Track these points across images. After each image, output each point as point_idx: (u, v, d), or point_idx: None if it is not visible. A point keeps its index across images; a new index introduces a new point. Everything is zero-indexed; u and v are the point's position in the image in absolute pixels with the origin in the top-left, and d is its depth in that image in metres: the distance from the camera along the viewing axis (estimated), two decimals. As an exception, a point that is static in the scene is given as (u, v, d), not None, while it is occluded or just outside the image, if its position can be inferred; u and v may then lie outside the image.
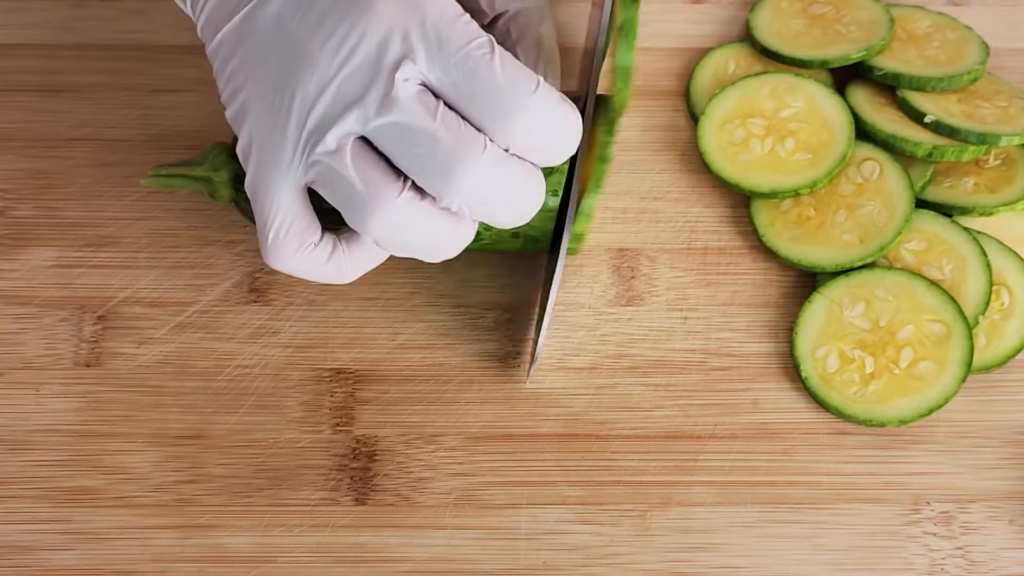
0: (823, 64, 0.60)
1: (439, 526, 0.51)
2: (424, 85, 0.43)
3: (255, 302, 0.56)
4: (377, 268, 0.56)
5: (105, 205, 0.58)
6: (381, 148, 0.43)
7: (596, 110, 0.49)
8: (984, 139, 0.56)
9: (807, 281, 0.57)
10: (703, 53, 0.63)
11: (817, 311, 0.55)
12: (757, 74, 0.59)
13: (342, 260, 0.46)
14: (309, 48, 0.43)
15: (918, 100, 0.58)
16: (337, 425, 0.53)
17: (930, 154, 0.57)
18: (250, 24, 0.44)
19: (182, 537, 0.50)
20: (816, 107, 0.58)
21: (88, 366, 0.54)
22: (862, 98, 0.59)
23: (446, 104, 0.43)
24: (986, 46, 0.60)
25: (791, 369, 0.54)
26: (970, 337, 0.53)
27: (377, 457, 0.52)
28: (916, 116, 0.58)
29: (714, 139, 0.58)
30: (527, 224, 0.52)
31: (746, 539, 0.51)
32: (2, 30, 0.63)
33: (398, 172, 0.43)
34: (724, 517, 0.51)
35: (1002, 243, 0.56)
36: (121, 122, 0.60)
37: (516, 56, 0.47)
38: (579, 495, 0.52)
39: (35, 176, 0.59)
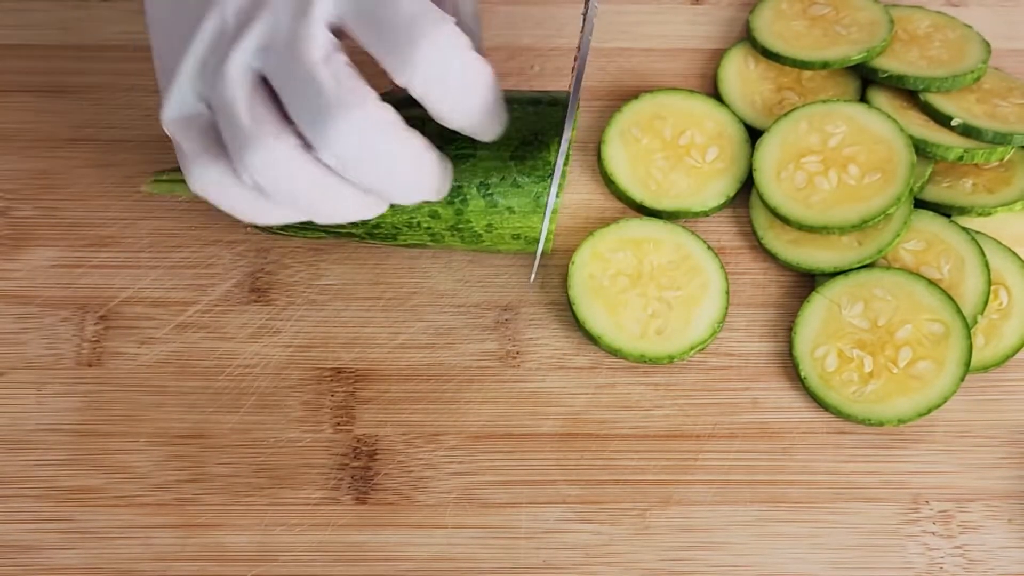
0: (824, 66, 0.60)
1: (439, 525, 0.51)
2: (334, 28, 0.42)
3: (256, 302, 0.56)
4: (377, 268, 0.56)
5: (106, 205, 0.58)
6: (275, 87, 0.43)
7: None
8: (1011, 139, 0.56)
9: (806, 281, 0.57)
10: (704, 54, 0.63)
11: (816, 311, 0.55)
12: (787, 113, 0.58)
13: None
14: None
15: (941, 103, 0.58)
16: (338, 424, 0.53)
17: (961, 157, 0.57)
18: None
19: (183, 536, 0.50)
20: (860, 126, 0.57)
21: (89, 366, 0.54)
22: (884, 103, 0.59)
23: (356, 42, 0.42)
24: (987, 44, 0.61)
25: (790, 368, 0.55)
26: (969, 337, 0.53)
27: (377, 456, 0.52)
28: (941, 119, 0.58)
29: (779, 191, 0.56)
30: (527, 225, 0.52)
31: (745, 538, 0.51)
32: (3, 30, 0.63)
33: (288, 121, 0.43)
34: (723, 516, 0.51)
35: (1000, 243, 0.56)
36: (122, 122, 0.60)
37: None
38: (579, 494, 0.52)
39: (36, 176, 0.59)
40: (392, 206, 0.48)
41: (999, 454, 0.53)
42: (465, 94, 0.44)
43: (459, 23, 0.46)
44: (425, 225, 0.53)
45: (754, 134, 0.59)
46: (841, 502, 0.52)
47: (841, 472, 0.52)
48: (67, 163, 0.59)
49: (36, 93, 0.61)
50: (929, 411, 0.52)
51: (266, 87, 0.43)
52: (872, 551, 0.51)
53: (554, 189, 0.50)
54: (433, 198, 0.47)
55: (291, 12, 0.42)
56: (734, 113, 0.60)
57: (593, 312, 0.54)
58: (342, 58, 0.43)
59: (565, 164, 0.49)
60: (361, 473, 0.52)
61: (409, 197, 0.45)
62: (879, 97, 0.60)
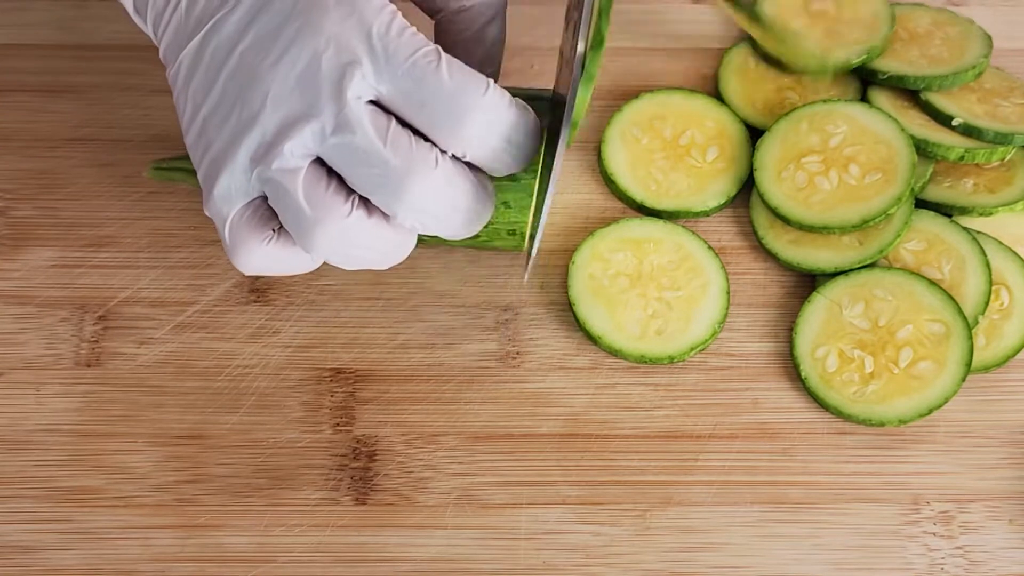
0: None
1: (439, 526, 0.51)
2: (376, 102, 0.43)
3: (255, 302, 0.56)
4: (377, 268, 0.56)
5: (105, 205, 0.58)
6: (334, 167, 0.44)
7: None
8: (1011, 139, 0.56)
9: (807, 281, 0.57)
10: (705, 54, 0.63)
11: (817, 311, 0.55)
12: (787, 113, 0.58)
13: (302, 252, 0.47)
14: (261, 67, 0.43)
15: (942, 103, 0.58)
16: (337, 425, 0.53)
17: (962, 157, 0.57)
18: (206, 46, 0.45)
19: (182, 537, 0.50)
20: (860, 126, 0.57)
21: (88, 366, 0.54)
22: (885, 103, 0.59)
23: (399, 119, 0.43)
24: (988, 38, 0.60)
25: (791, 369, 0.55)
26: (969, 337, 0.53)
27: (377, 457, 0.52)
28: (942, 119, 0.58)
29: (779, 191, 0.56)
30: (523, 221, 0.52)
31: (746, 539, 0.51)
32: (3, 30, 0.63)
33: (350, 191, 0.44)
34: (724, 517, 0.51)
35: (1001, 243, 0.56)
36: (121, 122, 0.60)
37: (456, 55, 0.47)
38: (579, 495, 0.52)
39: (35, 176, 0.59)
40: None
41: (1000, 454, 0.53)
42: (518, 149, 0.45)
43: (484, 47, 0.48)
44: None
45: (755, 134, 0.59)
46: (842, 503, 0.52)
47: (842, 473, 0.52)
48: (66, 163, 0.59)
49: (35, 93, 0.61)
50: (930, 411, 0.52)
51: (322, 167, 0.44)
52: (873, 552, 0.50)
53: (551, 190, 0.50)
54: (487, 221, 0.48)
55: (331, 96, 0.42)
56: (735, 113, 0.60)
57: (593, 312, 0.54)
58: (394, 125, 0.43)
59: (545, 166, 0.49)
60: (361, 474, 0.52)
61: (473, 231, 0.47)
62: (880, 97, 0.59)
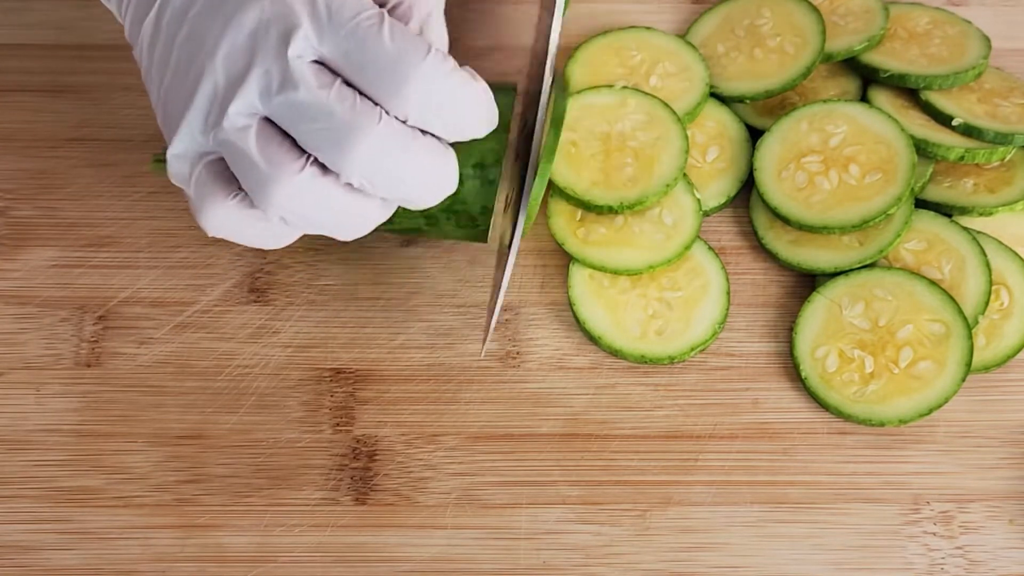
0: (827, 59, 0.60)
1: (439, 526, 0.51)
2: (321, 62, 0.44)
3: (255, 302, 0.56)
4: (377, 268, 0.56)
5: (105, 205, 0.58)
6: (283, 127, 0.44)
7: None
8: (1012, 139, 0.56)
9: (807, 281, 0.57)
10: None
11: (817, 311, 0.55)
12: (787, 113, 0.58)
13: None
14: (210, 31, 0.44)
15: (942, 102, 0.58)
16: (337, 425, 0.53)
17: (962, 157, 0.57)
18: (161, 18, 0.46)
19: (182, 537, 0.50)
20: (861, 126, 0.57)
21: (88, 366, 0.54)
22: (885, 102, 0.59)
23: (344, 79, 0.43)
24: (987, 39, 0.60)
25: (791, 369, 0.55)
26: (970, 337, 0.53)
27: (377, 457, 0.52)
28: (942, 119, 0.58)
29: (779, 191, 0.56)
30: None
31: (746, 539, 0.51)
32: (3, 30, 0.63)
33: (302, 150, 0.44)
34: (724, 517, 0.51)
35: (1001, 243, 0.56)
36: (121, 122, 0.60)
37: None
38: (579, 495, 0.52)
39: (35, 176, 0.59)
40: None
41: (1000, 454, 0.53)
42: (462, 115, 0.45)
43: (427, 28, 0.47)
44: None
45: (755, 134, 0.59)
46: (842, 503, 0.52)
47: (842, 473, 0.52)
48: (66, 163, 0.59)
49: (35, 93, 0.61)
50: (930, 411, 0.52)
51: (274, 127, 0.44)
52: (873, 552, 0.50)
53: (529, 179, 0.50)
54: (449, 192, 0.47)
55: (273, 55, 0.43)
56: (734, 112, 0.60)
57: (593, 312, 0.54)
58: (338, 83, 0.43)
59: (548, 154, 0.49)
60: (361, 474, 0.52)
61: (434, 198, 0.46)
62: (880, 97, 0.59)
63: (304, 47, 0.43)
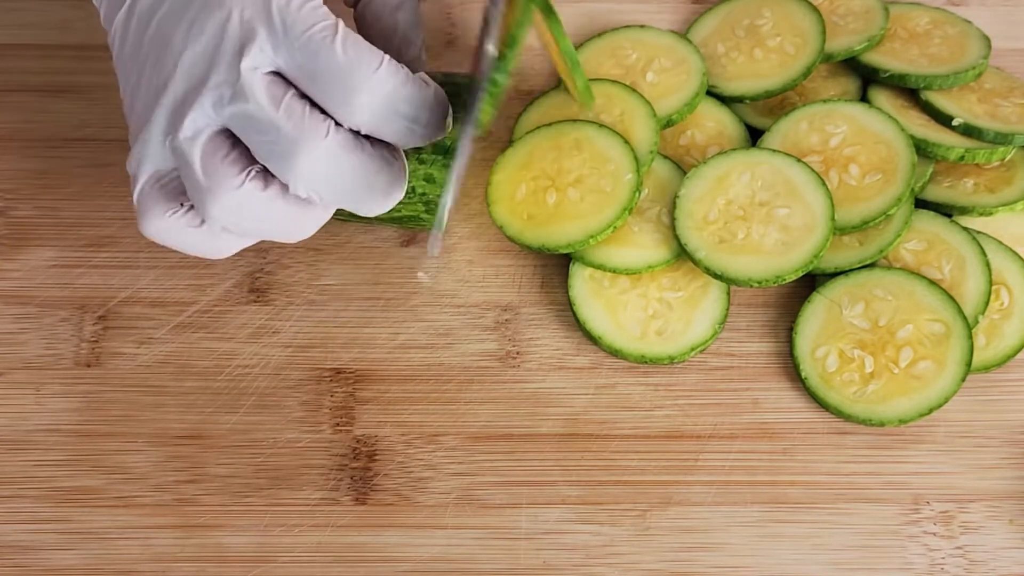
0: (827, 59, 0.60)
1: (439, 526, 0.51)
2: (278, 73, 0.44)
3: (255, 302, 0.56)
4: (377, 268, 0.56)
5: (105, 205, 0.58)
6: (239, 136, 0.44)
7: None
8: (1012, 139, 0.56)
9: (807, 281, 0.57)
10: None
11: (817, 311, 0.55)
12: (787, 113, 0.58)
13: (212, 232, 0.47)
14: (174, 36, 0.44)
15: (942, 103, 0.58)
16: (337, 425, 0.53)
17: (962, 157, 0.57)
18: (132, 14, 0.46)
19: (182, 537, 0.50)
20: (861, 126, 0.57)
21: (88, 366, 0.54)
22: (884, 102, 0.59)
23: (299, 90, 0.44)
24: (987, 39, 0.60)
25: (791, 369, 0.55)
26: (970, 337, 0.53)
27: (377, 457, 0.52)
28: (942, 119, 0.58)
29: None
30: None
31: (746, 539, 0.51)
32: (2, 30, 0.63)
33: (250, 161, 0.45)
34: (724, 517, 0.51)
35: (1001, 243, 0.56)
36: (121, 122, 0.60)
37: (376, 43, 0.48)
38: (579, 495, 0.52)
39: (35, 176, 0.59)
40: None
41: (1000, 454, 0.53)
42: (413, 121, 0.45)
43: (398, 33, 0.48)
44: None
45: (755, 134, 0.59)
46: (842, 503, 0.52)
47: (842, 473, 0.52)
48: (66, 163, 0.59)
49: (35, 93, 0.61)
50: (930, 411, 0.52)
51: (230, 136, 0.45)
52: (873, 552, 0.50)
53: (456, 167, 0.50)
54: (399, 198, 0.48)
55: (228, 66, 0.44)
56: (734, 112, 0.60)
57: (593, 312, 0.54)
58: (290, 95, 0.44)
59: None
60: (360, 474, 0.52)
61: (381, 207, 0.47)
62: (880, 97, 0.59)
63: (259, 59, 0.43)
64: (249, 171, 0.44)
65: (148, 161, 0.46)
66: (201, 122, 0.44)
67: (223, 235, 0.46)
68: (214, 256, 0.48)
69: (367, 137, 0.46)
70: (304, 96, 0.44)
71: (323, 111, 0.44)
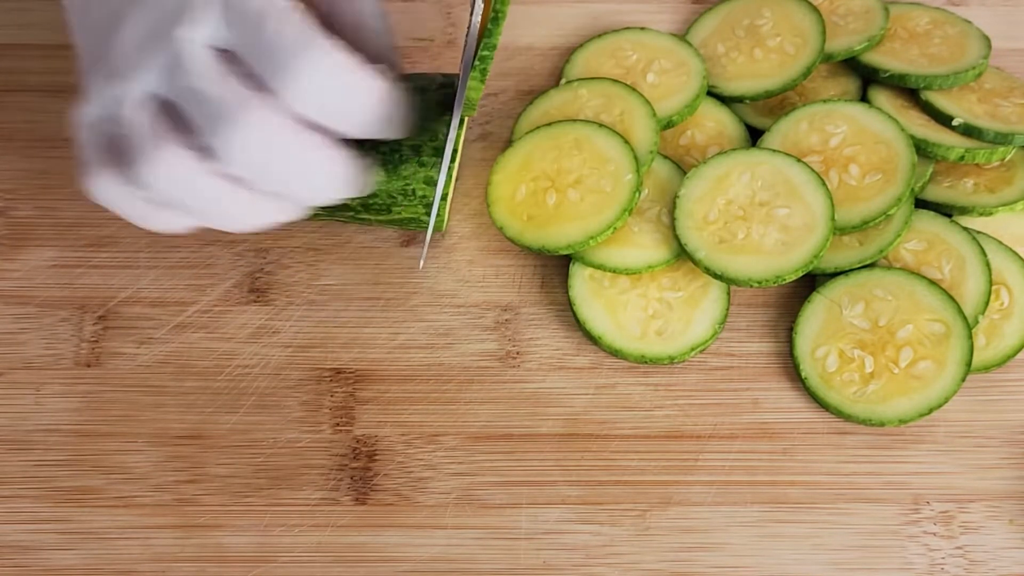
0: (827, 59, 0.60)
1: (439, 526, 0.51)
2: (222, 49, 0.44)
3: (255, 302, 0.56)
4: (377, 268, 0.56)
5: (105, 205, 0.58)
6: (183, 109, 0.44)
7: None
8: (1012, 139, 0.56)
9: (807, 281, 0.57)
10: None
11: (817, 311, 0.55)
12: (787, 113, 0.58)
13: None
14: (125, 4, 0.45)
15: (942, 102, 0.58)
16: (337, 425, 0.53)
17: (962, 157, 0.57)
18: None
19: (182, 537, 0.50)
20: (860, 126, 0.57)
21: (88, 366, 0.54)
22: (884, 102, 0.59)
23: (245, 68, 0.44)
24: (987, 39, 0.60)
25: (791, 369, 0.55)
26: (970, 337, 0.53)
27: (377, 457, 0.52)
28: (942, 119, 0.58)
29: None
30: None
31: (746, 539, 0.51)
32: (3, 30, 0.63)
33: (190, 134, 0.44)
34: (724, 517, 0.51)
35: (1001, 243, 0.56)
36: (121, 122, 0.60)
37: (346, 38, 0.47)
38: (579, 495, 0.52)
39: (36, 176, 0.59)
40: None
41: (1000, 454, 0.53)
42: (353, 112, 0.45)
43: (361, 27, 0.47)
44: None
45: (755, 134, 0.59)
46: (842, 503, 0.52)
47: (842, 473, 0.52)
48: (66, 163, 0.59)
49: (35, 93, 0.61)
50: (930, 411, 0.52)
51: (172, 108, 0.45)
52: (873, 552, 0.50)
53: (444, 166, 0.50)
54: (350, 193, 0.47)
55: (174, 38, 0.44)
56: (734, 112, 0.60)
57: (594, 312, 0.54)
58: (229, 69, 0.44)
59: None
60: (360, 474, 0.52)
61: (318, 197, 0.46)
62: (880, 97, 0.59)
63: (205, 33, 0.43)
64: (191, 142, 0.44)
65: (93, 115, 0.46)
66: (146, 90, 0.44)
67: (163, 209, 0.46)
68: (154, 228, 0.47)
69: (352, 138, 0.45)
70: (251, 76, 0.44)
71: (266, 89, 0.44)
